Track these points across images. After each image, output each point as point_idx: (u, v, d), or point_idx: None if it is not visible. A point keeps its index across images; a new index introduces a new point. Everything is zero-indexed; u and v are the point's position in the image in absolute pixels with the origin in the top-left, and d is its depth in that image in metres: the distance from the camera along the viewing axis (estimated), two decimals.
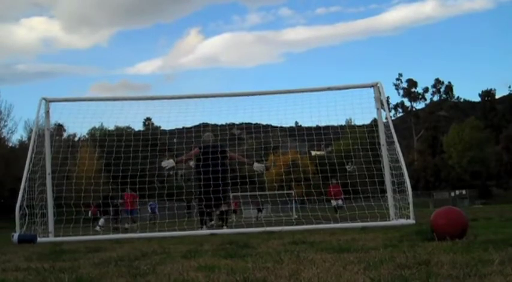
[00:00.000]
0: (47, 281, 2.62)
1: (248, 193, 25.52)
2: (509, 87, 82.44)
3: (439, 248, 3.31)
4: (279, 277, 2.41)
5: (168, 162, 8.89)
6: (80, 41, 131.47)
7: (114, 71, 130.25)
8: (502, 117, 73.50)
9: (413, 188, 7.99)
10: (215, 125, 12.72)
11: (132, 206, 16.77)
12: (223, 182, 8.38)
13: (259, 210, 25.97)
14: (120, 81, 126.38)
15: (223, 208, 8.81)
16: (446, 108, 74.54)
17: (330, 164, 14.17)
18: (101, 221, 15.69)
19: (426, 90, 75.44)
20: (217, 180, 8.27)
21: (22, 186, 7.48)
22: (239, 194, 26.27)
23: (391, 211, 8.18)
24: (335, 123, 11.12)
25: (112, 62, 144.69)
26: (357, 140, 10.66)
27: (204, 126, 12.92)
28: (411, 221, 7.24)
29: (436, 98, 75.91)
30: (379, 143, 8.51)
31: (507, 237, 3.87)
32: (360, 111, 9.33)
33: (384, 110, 8.66)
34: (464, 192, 57.87)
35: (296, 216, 18.02)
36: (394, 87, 74.50)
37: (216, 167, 8.40)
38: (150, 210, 23.30)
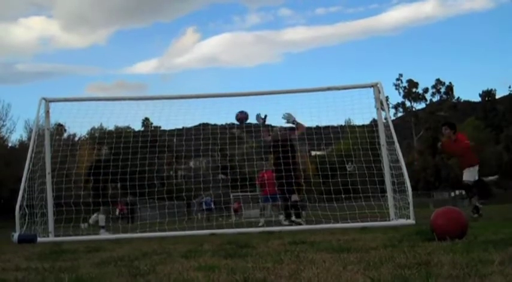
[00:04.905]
0: (46, 281, 2.62)
1: (249, 194, 25.52)
2: (510, 87, 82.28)
3: (439, 248, 3.31)
4: (279, 277, 2.41)
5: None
6: (78, 41, 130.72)
7: (113, 70, 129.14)
8: (502, 117, 73.42)
9: (413, 188, 7.98)
10: (215, 125, 12.71)
11: (272, 188, 10.59)
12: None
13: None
14: (116, 81, 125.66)
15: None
16: (447, 108, 74.38)
17: (330, 163, 14.15)
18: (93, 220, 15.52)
19: (426, 90, 75.32)
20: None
21: (22, 186, 7.48)
22: (240, 194, 26.27)
23: (391, 211, 8.17)
24: (335, 123, 11.14)
25: (110, 62, 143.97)
26: (357, 139, 10.67)
27: (204, 126, 12.91)
28: (411, 221, 7.25)
29: (436, 98, 75.80)
30: (379, 143, 8.51)
31: (507, 237, 3.87)
32: (360, 111, 9.36)
33: (384, 110, 8.66)
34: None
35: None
36: (394, 87, 74.34)
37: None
38: (205, 206, 23.17)
